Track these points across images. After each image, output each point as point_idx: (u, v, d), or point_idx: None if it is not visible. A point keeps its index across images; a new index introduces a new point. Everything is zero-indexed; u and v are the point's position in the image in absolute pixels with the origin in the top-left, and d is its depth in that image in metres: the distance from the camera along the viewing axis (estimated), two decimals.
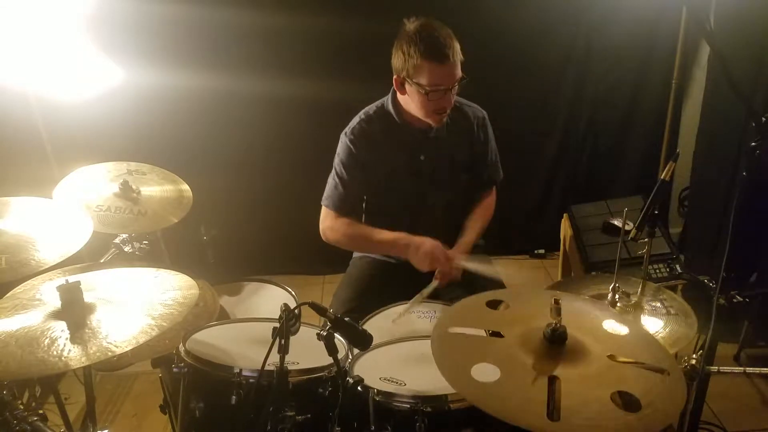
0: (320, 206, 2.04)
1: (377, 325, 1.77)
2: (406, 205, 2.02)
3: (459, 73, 1.81)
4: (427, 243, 1.86)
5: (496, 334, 1.25)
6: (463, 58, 1.83)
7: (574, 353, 1.19)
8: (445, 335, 1.26)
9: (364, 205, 2.06)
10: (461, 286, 1.95)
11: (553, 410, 1.05)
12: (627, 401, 1.10)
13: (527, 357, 1.18)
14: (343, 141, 1.98)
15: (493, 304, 1.38)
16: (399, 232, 1.93)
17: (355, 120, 2.00)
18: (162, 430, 2.33)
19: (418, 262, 1.87)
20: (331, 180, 2.01)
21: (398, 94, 1.93)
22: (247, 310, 1.99)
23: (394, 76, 1.87)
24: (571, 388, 1.10)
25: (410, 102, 1.88)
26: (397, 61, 1.84)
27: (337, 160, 2.00)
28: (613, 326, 1.32)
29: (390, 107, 1.96)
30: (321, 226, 2.03)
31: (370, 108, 2.01)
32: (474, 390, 1.12)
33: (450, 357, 1.20)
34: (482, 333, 1.34)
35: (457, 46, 1.80)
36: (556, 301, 1.20)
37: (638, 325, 1.51)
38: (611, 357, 1.20)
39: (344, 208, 1.99)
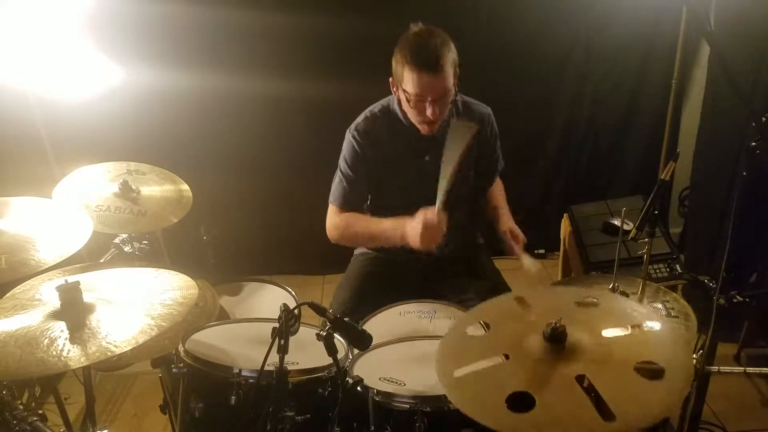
0: (320, 206, 2.03)
1: (377, 325, 1.77)
2: (413, 206, 2.00)
3: (447, 85, 1.75)
4: (413, 223, 1.76)
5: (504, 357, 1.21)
6: (458, 61, 1.77)
7: (573, 345, 1.19)
8: (455, 382, 1.18)
9: (368, 204, 2.05)
10: (473, 290, 1.95)
11: (603, 410, 1.04)
12: (650, 373, 1.11)
13: (539, 366, 1.16)
14: (348, 138, 1.97)
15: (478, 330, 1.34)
16: (393, 219, 1.86)
17: (360, 117, 1.99)
18: (162, 430, 2.33)
19: (415, 245, 1.77)
20: (337, 177, 2.00)
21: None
22: (247, 310, 1.99)
23: (390, 79, 1.87)
24: (600, 380, 1.10)
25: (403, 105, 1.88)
26: (393, 63, 1.83)
27: (341, 158, 1.99)
28: (585, 306, 1.33)
29: (395, 107, 1.95)
30: (327, 225, 2.02)
31: (375, 106, 2.00)
32: (523, 422, 1.06)
33: (478, 401, 1.13)
34: (487, 364, 1.27)
35: (451, 56, 1.75)
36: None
37: (606, 298, 1.47)
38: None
39: (348, 204, 1.98)
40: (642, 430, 1.06)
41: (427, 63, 1.71)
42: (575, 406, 1.06)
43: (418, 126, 1.87)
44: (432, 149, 1.94)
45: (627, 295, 1.67)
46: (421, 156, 1.95)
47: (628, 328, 1.24)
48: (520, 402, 1.08)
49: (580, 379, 1.11)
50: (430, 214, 1.73)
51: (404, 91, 1.79)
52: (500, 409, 1.07)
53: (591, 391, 1.08)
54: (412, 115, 1.85)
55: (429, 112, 1.78)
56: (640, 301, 1.67)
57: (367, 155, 1.95)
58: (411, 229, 1.76)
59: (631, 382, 1.10)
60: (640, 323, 1.24)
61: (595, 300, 1.33)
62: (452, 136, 1.78)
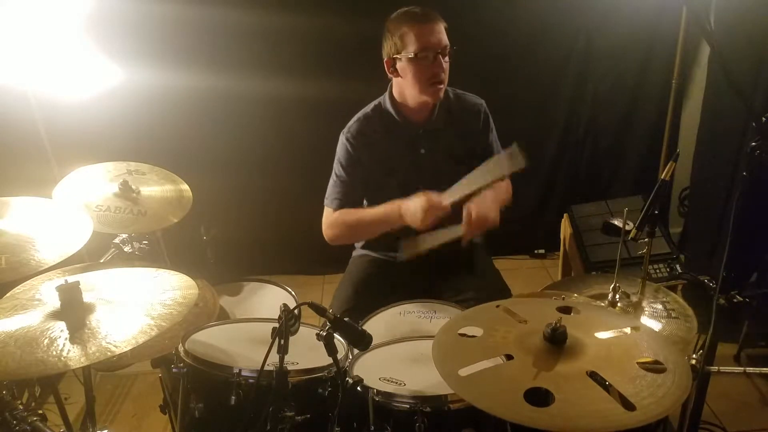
0: (320, 206, 2.04)
1: (377, 325, 1.77)
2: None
3: (446, 39, 1.82)
4: (414, 200, 1.78)
5: (509, 357, 1.22)
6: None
7: (572, 345, 1.20)
8: (463, 381, 1.17)
9: (365, 205, 2.05)
10: (472, 290, 1.95)
11: (623, 401, 1.06)
12: (653, 368, 1.14)
13: (546, 365, 1.16)
14: (341, 141, 1.99)
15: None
16: (386, 203, 1.88)
17: (353, 120, 2.00)
18: (162, 430, 2.33)
19: (415, 222, 1.78)
20: (332, 179, 2.02)
21: (393, 85, 1.94)
22: (247, 310, 1.99)
23: (385, 61, 1.89)
24: (609, 375, 1.11)
25: (405, 85, 1.89)
26: (384, 45, 1.87)
27: (336, 160, 2.01)
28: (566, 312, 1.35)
29: (387, 105, 1.97)
30: (323, 226, 2.03)
31: (367, 108, 2.02)
32: (544, 416, 1.06)
33: (494, 398, 1.13)
34: (489, 364, 1.25)
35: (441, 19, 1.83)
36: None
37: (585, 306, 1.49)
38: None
39: (344, 206, 1.99)
40: (642, 429, 1.05)
41: (423, 15, 1.81)
42: (594, 399, 1.07)
43: (426, 95, 1.87)
44: (427, 142, 1.96)
45: (628, 296, 1.68)
46: (416, 150, 1.97)
47: (615, 330, 1.26)
48: (534, 398, 1.09)
49: (591, 374, 1.12)
50: (436, 197, 1.76)
51: (407, 55, 1.80)
52: (520, 405, 1.08)
53: (605, 385, 1.10)
54: (419, 82, 1.84)
55: (437, 66, 1.81)
56: (640, 301, 1.67)
57: (362, 157, 1.96)
58: (413, 204, 1.78)
59: (638, 376, 1.11)
60: (620, 327, 1.27)
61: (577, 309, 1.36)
62: (495, 161, 1.86)
